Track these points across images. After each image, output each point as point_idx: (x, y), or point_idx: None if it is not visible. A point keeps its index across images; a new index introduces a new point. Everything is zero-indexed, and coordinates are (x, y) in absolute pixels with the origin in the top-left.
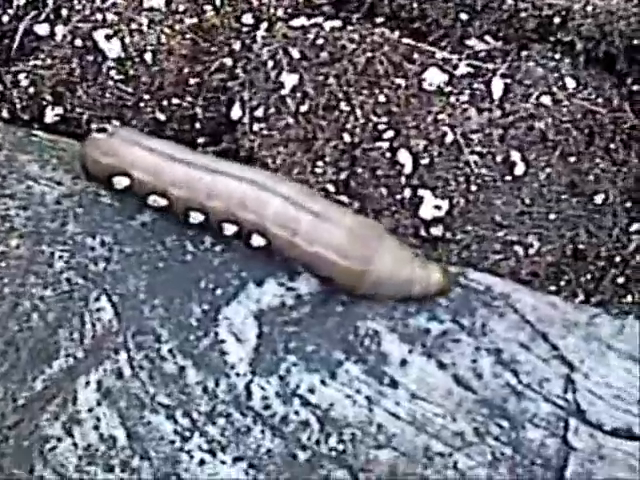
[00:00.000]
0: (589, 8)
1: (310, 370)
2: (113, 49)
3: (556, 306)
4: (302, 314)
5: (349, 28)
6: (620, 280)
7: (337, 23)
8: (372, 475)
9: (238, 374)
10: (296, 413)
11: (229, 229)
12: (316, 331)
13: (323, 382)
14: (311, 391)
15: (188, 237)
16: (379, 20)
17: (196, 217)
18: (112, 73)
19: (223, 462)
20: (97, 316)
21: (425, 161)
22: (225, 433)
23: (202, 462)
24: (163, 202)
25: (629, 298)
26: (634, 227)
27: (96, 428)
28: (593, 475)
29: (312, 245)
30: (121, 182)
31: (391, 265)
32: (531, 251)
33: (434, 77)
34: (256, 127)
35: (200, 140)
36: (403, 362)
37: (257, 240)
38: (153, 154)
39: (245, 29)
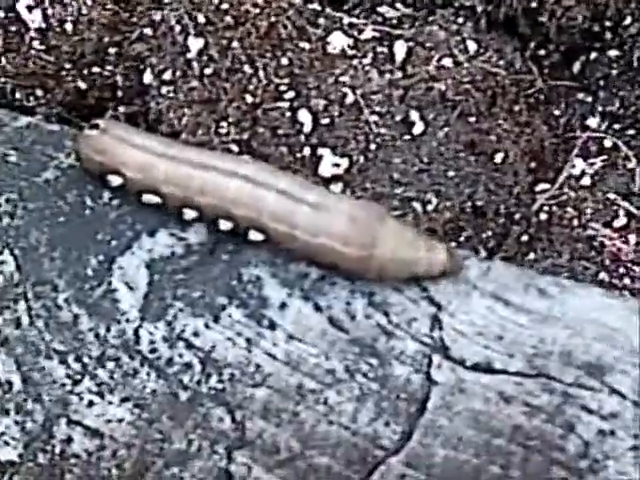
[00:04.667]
0: None
1: (195, 315)
2: (35, 20)
3: None
4: (190, 262)
5: None
6: (524, 238)
7: None
8: (248, 412)
9: (128, 320)
10: (180, 355)
11: (225, 225)
12: (202, 278)
13: (207, 326)
14: (195, 334)
15: (88, 192)
16: None
17: (189, 213)
18: (34, 43)
19: (110, 403)
20: (0, 269)
21: (325, 121)
22: (114, 376)
23: (91, 403)
24: (156, 199)
25: (532, 255)
26: (540, 187)
27: None
28: (453, 407)
29: (316, 236)
30: (114, 180)
31: (394, 247)
32: (429, 207)
33: (338, 41)
34: (164, 90)
35: (121, 108)
36: (282, 305)
37: (255, 235)
38: (143, 151)
39: (167, 0)
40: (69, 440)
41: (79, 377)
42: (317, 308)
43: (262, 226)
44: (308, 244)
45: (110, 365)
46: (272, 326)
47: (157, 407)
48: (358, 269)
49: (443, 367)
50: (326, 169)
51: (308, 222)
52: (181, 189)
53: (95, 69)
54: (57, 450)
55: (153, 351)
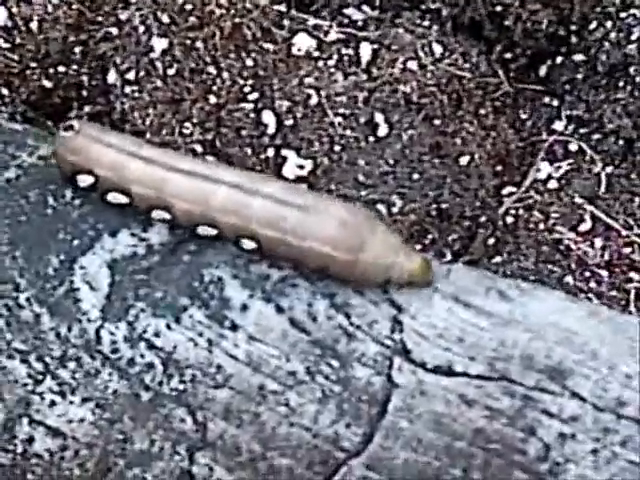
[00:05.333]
0: None
1: (157, 315)
2: (0, 18)
3: None
4: (152, 263)
5: None
6: (490, 241)
7: None
8: (209, 413)
9: (90, 320)
10: (142, 356)
11: (206, 230)
12: (164, 279)
13: (168, 326)
14: (157, 335)
15: (50, 191)
16: None
17: (161, 215)
18: None
19: (72, 402)
20: None
21: (289, 122)
22: (75, 376)
23: (53, 403)
24: (124, 199)
25: (498, 259)
26: (506, 190)
27: None
28: (414, 409)
29: (304, 240)
30: (85, 180)
31: (379, 252)
32: (394, 210)
33: (303, 42)
34: (128, 90)
35: (86, 108)
36: (243, 306)
37: (248, 244)
38: (116, 151)
39: (132, 0)
40: (31, 440)
41: (41, 377)
42: (279, 309)
43: (252, 233)
44: (297, 248)
45: (71, 365)
46: (233, 327)
47: (119, 407)
48: (343, 272)
49: (404, 369)
50: (290, 170)
51: (298, 225)
52: (156, 191)
53: (60, 68)
54: (19, 450)
55: (115, 351)
